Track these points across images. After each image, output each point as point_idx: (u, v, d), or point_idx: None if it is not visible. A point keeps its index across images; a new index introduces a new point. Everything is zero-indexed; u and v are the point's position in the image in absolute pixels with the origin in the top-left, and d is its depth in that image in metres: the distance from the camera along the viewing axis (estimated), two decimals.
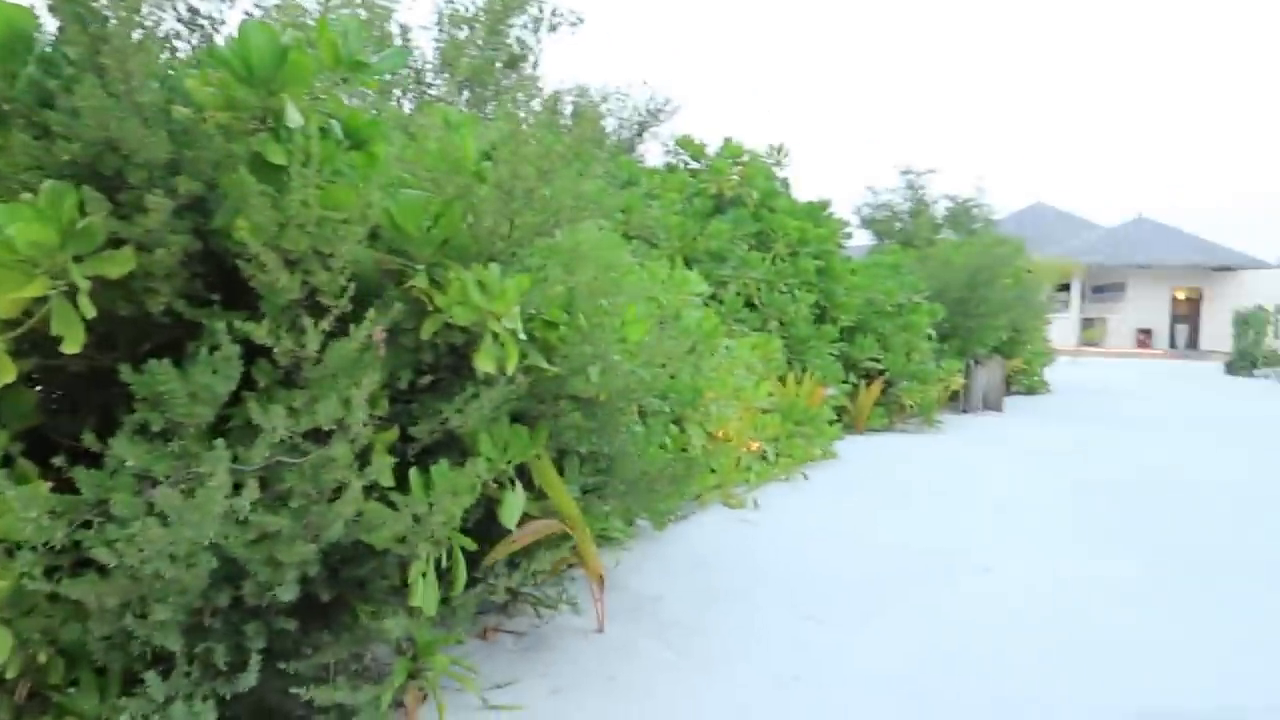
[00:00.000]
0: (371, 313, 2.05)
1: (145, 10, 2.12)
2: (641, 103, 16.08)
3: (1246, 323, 22.56)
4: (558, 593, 3.29)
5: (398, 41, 10.69)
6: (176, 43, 2.76)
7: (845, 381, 9.02)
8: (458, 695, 2.57)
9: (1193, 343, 34.59)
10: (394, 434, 2.25)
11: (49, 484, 1.77)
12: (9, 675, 1.81)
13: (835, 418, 7.96)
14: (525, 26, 12.10)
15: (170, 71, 2.39)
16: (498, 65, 11.69)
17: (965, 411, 11.37)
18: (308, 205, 2.08)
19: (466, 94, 11.44)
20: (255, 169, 2.23)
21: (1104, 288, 36.73)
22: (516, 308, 2.48)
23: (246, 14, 4.14)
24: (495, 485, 2.59)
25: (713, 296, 8.14)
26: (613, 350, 2.93)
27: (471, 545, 2.36)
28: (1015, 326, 12.91)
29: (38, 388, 2.17)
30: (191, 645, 1.87)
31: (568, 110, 13.68)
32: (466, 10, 11.91)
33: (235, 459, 1.77)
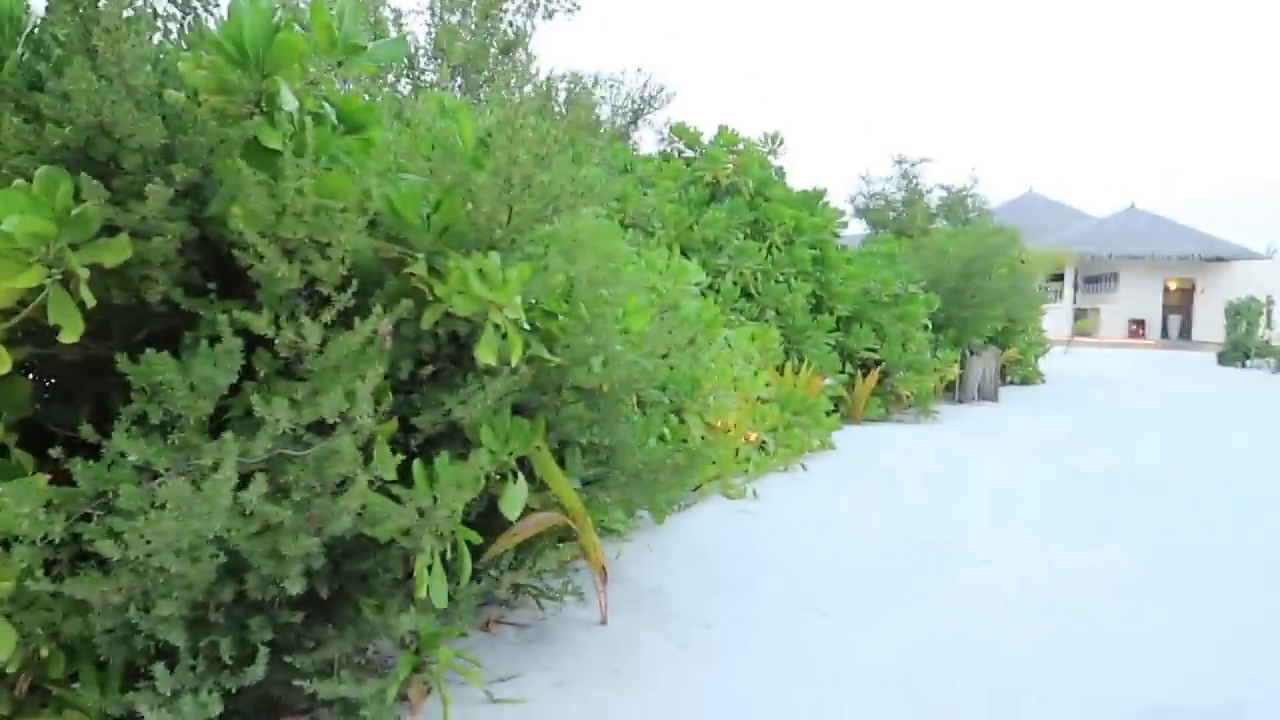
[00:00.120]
0: (378, 307, 2.01)
1: None
2: (636, 90, 16.01)
3: (1239, 313, 22.60)
4: (563, 584, 3.26)
5: (390, 24, 10.60)
6: (168, 24, 2.71)
7: (842, 371, 9.01)
8: (461, 689, 2.55)
9: (1185, 333, 34.71)
10: (394, 426, 2.21)
11: (47, 476, 1.74)
12: (10, 670, 1.78)
13: (833, 408, 7.94)
14: (519, 12, 12.02)
15: (162, 54, 2.34)
16: (492, 51, 11.60)
17: (961, 402, 11.39)
18: (303, 194, 2.03)
19: (460, 80, 11.36)
20: (250, 154, 2.18)
21: (1097, 278, 36.80)
22: (518, 297, 2.45)
23: None
24: (497, 477, 2.56)
25: (709, 286, 8.11)
26: (615, 340, 2.90)
27: (476, 538, 2.33)
28: (1010, 316, 12.91)
29: (30, 376, 2.14)
30: (196, 639, 1.84)
31: (561, 97, 13.60)
32: None
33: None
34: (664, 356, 3.39)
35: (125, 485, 1.63)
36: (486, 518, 2.60)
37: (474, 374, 2.38)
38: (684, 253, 8.11)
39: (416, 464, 2.16)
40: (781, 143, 10.93)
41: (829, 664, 2.93)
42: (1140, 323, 35.60)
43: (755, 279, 8.89)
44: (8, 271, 1.79)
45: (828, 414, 7.51)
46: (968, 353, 11.51)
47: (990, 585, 3.80)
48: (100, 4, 2.04)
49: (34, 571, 1.63)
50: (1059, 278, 34.86)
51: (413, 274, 2.34)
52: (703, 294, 6.73)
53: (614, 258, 3.29)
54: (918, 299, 10.23)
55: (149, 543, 1.57)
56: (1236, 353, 22.28)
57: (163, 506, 1.56)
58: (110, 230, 1.92)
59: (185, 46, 2.49)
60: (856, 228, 20.58)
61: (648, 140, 18.03)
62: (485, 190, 2.50)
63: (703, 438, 4.86)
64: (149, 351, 1.86)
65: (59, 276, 1.82)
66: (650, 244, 7.49)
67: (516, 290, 2.42)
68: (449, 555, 2.24)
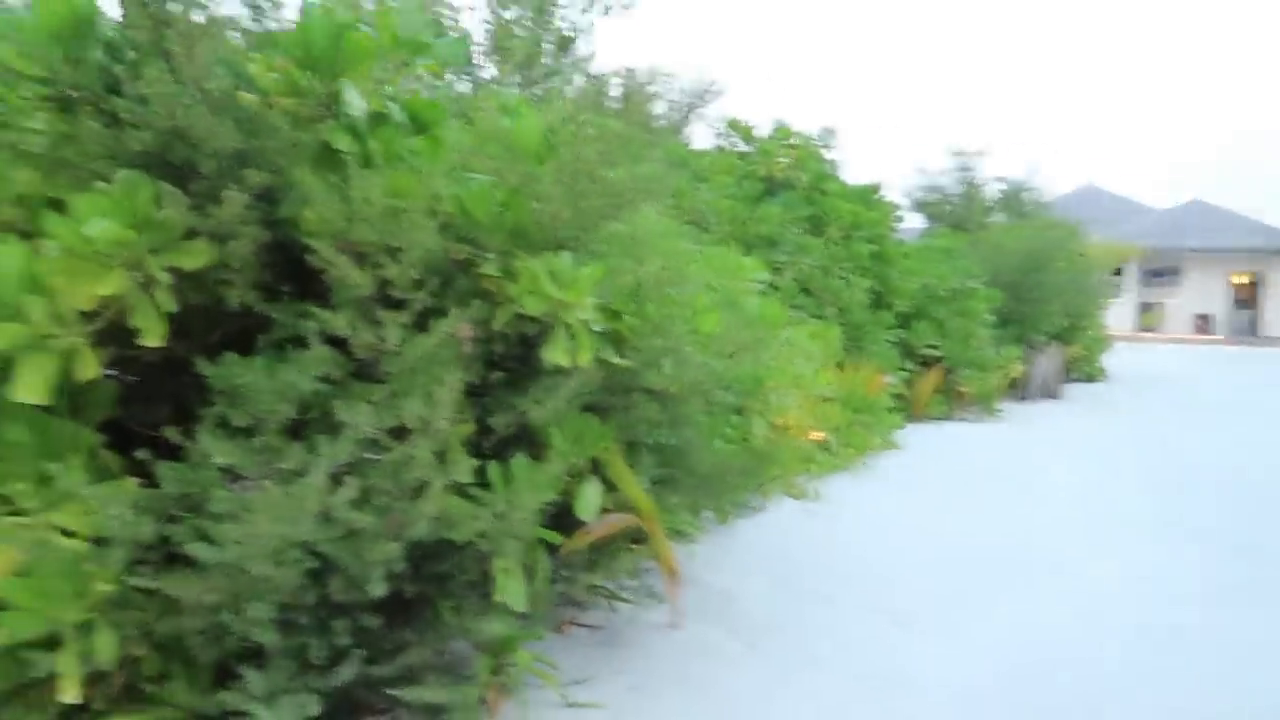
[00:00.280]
0: (455, 308, 1.98)
1: None
2: (688, 84, 15.92)
3: None
4: (637, 586, 3.20)
5: (448, 21, 10.66)
6: (237, 27, 2.71)
7: (902, 369, 8.82)
8: (538, 692, 2.51)
9: (1253, 328, 33.44)
10: (471, 428, 2.18)
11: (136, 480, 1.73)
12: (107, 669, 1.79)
13: (895, 406, 7.78)
14: (577, 6, 12.02)
15: (233, 57, 2.34)
16: (547, 47, 11.63)
17: (1024, 399, 11.08)
18: (370, 203, 2.01)
19: (518, 77, 11.39)
20: (322, 158, 2.17)
21: (1159, 272, 35.65)
22: (589, 298, 2.40)
23: None
24: (569, 478, 2.52)
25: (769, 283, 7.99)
26: (684, 342, 2.84)
27: (557, 539, 2.29)
28: (1072, 312, 12.53)
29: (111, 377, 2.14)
30: (285, 640, 1.82)
31: (617, 93, 13.57)
32: None
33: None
34: (731, 356, 3.33)
35: (215, 488, 1.62)
36: (558, 519, 2.56)
37: (544, 375, 2.34)
38: (743, 249, 8.01)
39: (493, 466, 2.13)
40: (836, 136, 10.77)
41: (908, 673, 2.83)
42: (1205, 318, 34.39)
43: (814, 275, 8.74)
44: (90, 276, 1.80)
45: (890, 412, 7.35)
46: (1030, 349, 11.20)
47: (1073, 592, 3.67)
48: (172, 6, 2.04)
49: (130, 572, 1.63)
50: (1119, 272, 33.86)
51: (484, 274, 2.31)
52: (763, 291, 6.63)
53: (678, 256, 3.23)
54: (978, 294, 9.99)
55: (242, 545, 1.55)
56: None
57: (253, 510, 1.54)
58: (188, 234, 1.92)
59: (253, 48, 2.49)
60: (913, 221, 20.17)
61: (700, 135, 17.94)
62: (551, 189, 2.46)
63: (766, 437, 4.78)
64: (227, 354, 1.85)
65: (141, 280, 1.83)
66: (706, 240, 7.40)
67: (588, 290, 2.37)
68: (526, 557, 2.20)
